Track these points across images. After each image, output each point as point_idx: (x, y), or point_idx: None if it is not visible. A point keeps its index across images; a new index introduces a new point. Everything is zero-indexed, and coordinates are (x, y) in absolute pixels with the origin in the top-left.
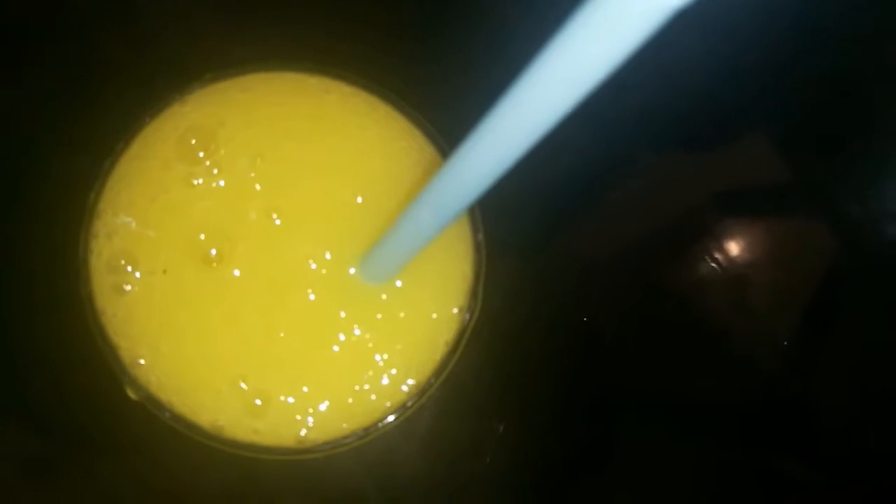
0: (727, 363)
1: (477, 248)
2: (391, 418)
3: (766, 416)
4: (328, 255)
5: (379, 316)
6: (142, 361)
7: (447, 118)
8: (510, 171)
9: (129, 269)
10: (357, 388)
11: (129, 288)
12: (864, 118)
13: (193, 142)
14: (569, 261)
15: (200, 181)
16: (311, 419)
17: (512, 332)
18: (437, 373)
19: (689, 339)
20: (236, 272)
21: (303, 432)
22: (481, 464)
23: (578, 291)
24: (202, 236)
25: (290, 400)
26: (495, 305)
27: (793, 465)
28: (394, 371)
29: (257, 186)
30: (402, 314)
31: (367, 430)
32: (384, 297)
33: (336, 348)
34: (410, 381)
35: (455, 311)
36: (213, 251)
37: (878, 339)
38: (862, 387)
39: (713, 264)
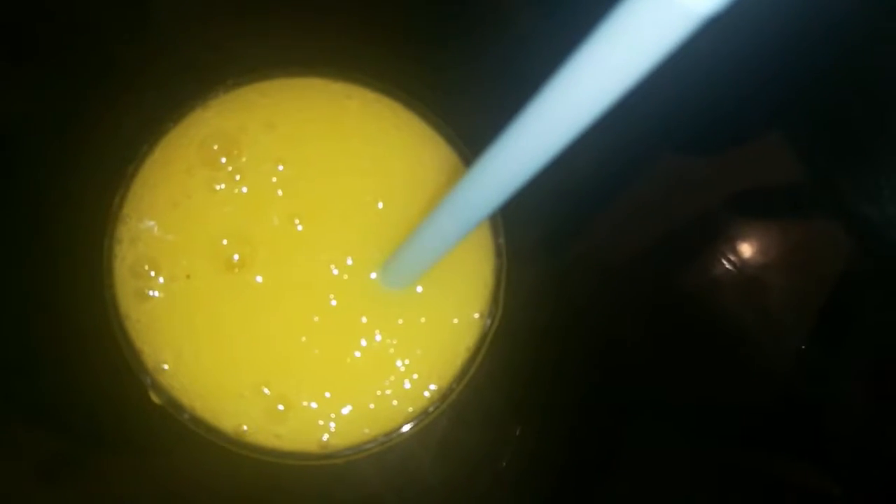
0: (743, 366)
1: (498, 253)
2: (413, 424)
3: (783, 420)
4: (350, 261)
5: (400, 321)
6: (165, 366)
7: (470, 125)
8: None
9: (153, 274)
10: (379, 393)
11: (152, 293)
12: (880, 120)
13: (216, 147)
14: (587, 264)
15: (223, 186)
16: (333, 424)
17: (531, 337)
18: (459, 378)
19: (705, 341)
20: (258, 278)
21: (325, 437)
22: (498, 469)
23: (596, 295)
24: (225, 241)
25: (313, 405)
26: (516, 310)
27: (807, 470)
28: (415, 376)
29: (279, 192)
30: (423, 319)
31: (388, 436)
32: (405, 302)
33: (358, 354)
34: (432, 387)
35: (476, 316)
36: (236, 256)
37: (894, 340)
38: (877, 390)
39: (729, 266)
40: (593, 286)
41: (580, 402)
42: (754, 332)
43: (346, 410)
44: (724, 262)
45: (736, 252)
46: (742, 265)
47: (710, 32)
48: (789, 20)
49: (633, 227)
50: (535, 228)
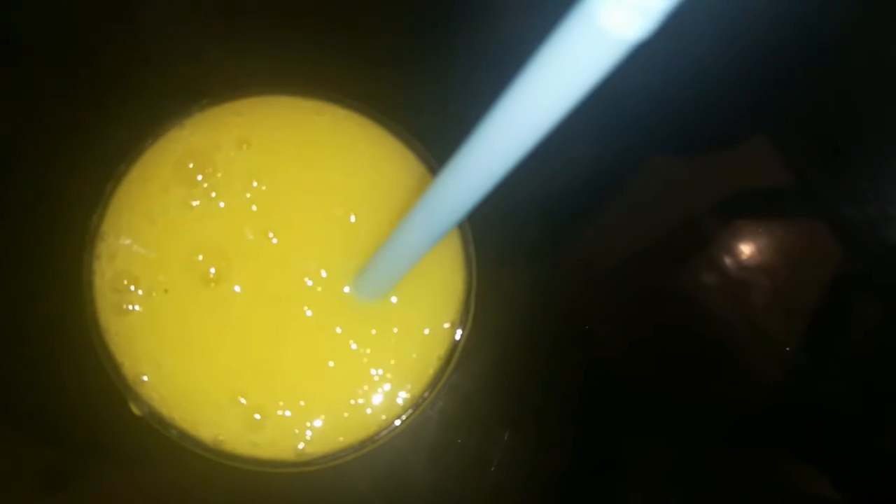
0: (732, 369)
1: (468, 261)
2: (386, 431)
3: (772, 421)
4: (323, 273)
5: (373, 331)
6: (144, 378)
7: (438, 139)
8: (499, 184)
9: (132, 288)
10: (353, 402)
11: (131, 307)
12: (863, 123)
13: (191, 165)
14: (568, 272)
15: (198, 203)
16: (308, 433)
17: (514, 343)
18: (431, 386)
19: (692, 345)
20: (235, 290)
21: (301, 446)
22: (487, 474)
23: (582, 297)
24: (201, 257)
25: (288, 414)
26: (491, 318)
27: (799, 472)
28: (388, 385)
29: (253, 207)
30: (395, 329)
31: (363, 443)
32: (378, 313)
33: (332, 363)
34: (404, 395)
35: (447, 325)
36: (212, 270)
37: (882, 342)
38: (866, 391)
39: (716, 269)
40: (576, 292)
41: (568, 407)
42: (742, 334)
43: (320, 419)
44: (712, 265)
45: (723, 255)
46: (729, 268)
47: (692, 41)
48: (772, 28)
49: (618, 232)
50: (507, 236)
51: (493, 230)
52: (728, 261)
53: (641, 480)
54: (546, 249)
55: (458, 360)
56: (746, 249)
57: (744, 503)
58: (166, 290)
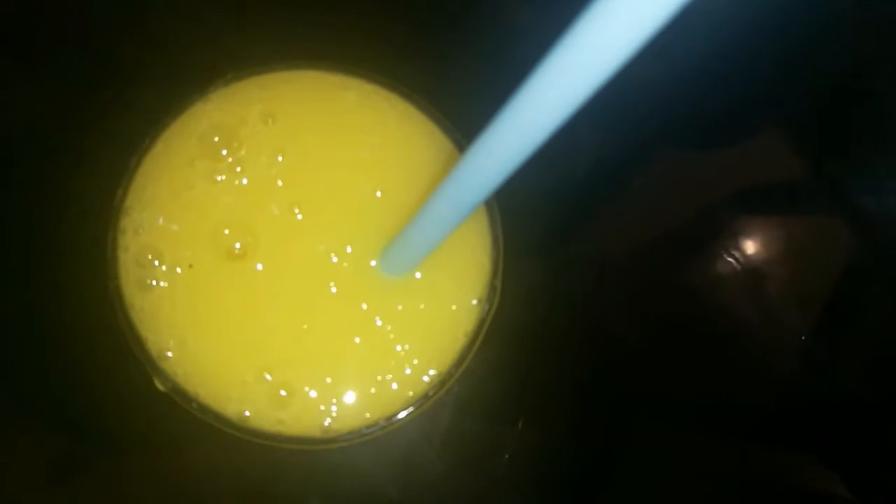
0: (745, 361)
1: (495, 241)
2: (412, 408)
3: (786, 415)
4: (349, 249)
5: (399, 307)
6: (169, 354)
7: (465, 114)
8: (526, 167)
9: (156, 263)
10: (379, 378)
11: (155, 282)
12: (877, 113)
13: (216, 139)
14: (585, 258)
15: (223, 177)
16: (334, 409)
17: (530, 328)
18: (458, 363)
19: (706, 335)
20: (260, 266)
21: (327, 422)
22: (501, 460)
23: (596, 288)
24: (226, 231)
25: (314, 391)
26: (514, 299)
27: (812, 465)
28: (415, 361)
29: (279, 182)
30: (422, 305)
31: (389, 420)
32: (404, 289)
33: (358, 339)
34: (431, 371)
35: (474, 302)
36: (238, 245)
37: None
38: (881, 383)
39: (730, 261)
40: (593, 280)
41: (582, 396)
42: (756, 327)
43: (347, 395)
44: (726, 256)
45: (737, 247)
46: (743, 260)
47: (706, 31)
48: (786, 19)
49: (631, 221)
50: (532, 219)
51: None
52: (742, 252)
53: (653, 472)
54: (559, 240)
55: (484, 338)
56: (760, 241)
57: (756, 496)
58: (191, 265)
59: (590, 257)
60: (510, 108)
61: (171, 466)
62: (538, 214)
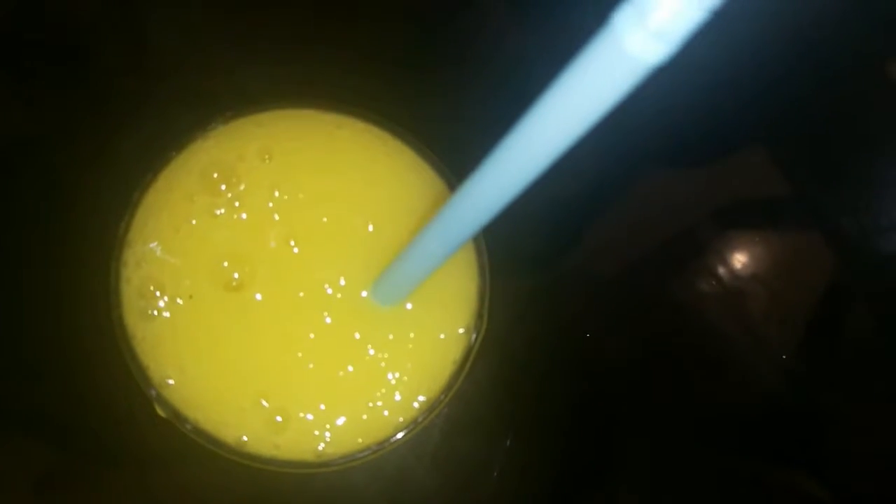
0: (728, 376)
1: (481, 271)
2: (403, 433)
3: (769, 430)
4: (342, 281)
5: (391, 336)
6: (170, 381)
7: (454, 153)
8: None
9: (158, 294)
10: (371, 404)
11: (157, 313)
12: (859, 136)
13: (215, 175)
14: (572, 278)
15: (222, 211)
16: (328, 434)
17: (518, 350)
18: (446, 390)
19: (691, 352)
20: (257, 297)
21: (321, 447)
22: (490, 479)
23: (582, 309)
24: (225, 263)
25: (309, 416)
26: (501, 325)
27: (795, 478)
28: (405, 389)
29: (276, 216)
30: (412, 335)
31: (381, 445)
32: (395, 319)
33: (351, 368)
34: (421, 398)
35: (461, 331)
36: (236, 276)
37: (876, 350)
38: (862, 398)
39: (713, 279)
40: (579, 300)
41: (570, 414)
42: (740, 344)
43: (340, 421)
44: (709, 274)
45: (720, 265)
46: (726, 278)
47: (690, 53)
48: (769, 41)
49: (618, 242)
50: (517, 247)
51: (497, 240)
52: (725, 270)
53: (641, 488)
54: (546, 259)
55: (472, 365)
56: (743, 259)
57: None
58: (191, 296)
59: (576, 277)
60: (502, 149)
61: (169, 490)
62: (524, 238)
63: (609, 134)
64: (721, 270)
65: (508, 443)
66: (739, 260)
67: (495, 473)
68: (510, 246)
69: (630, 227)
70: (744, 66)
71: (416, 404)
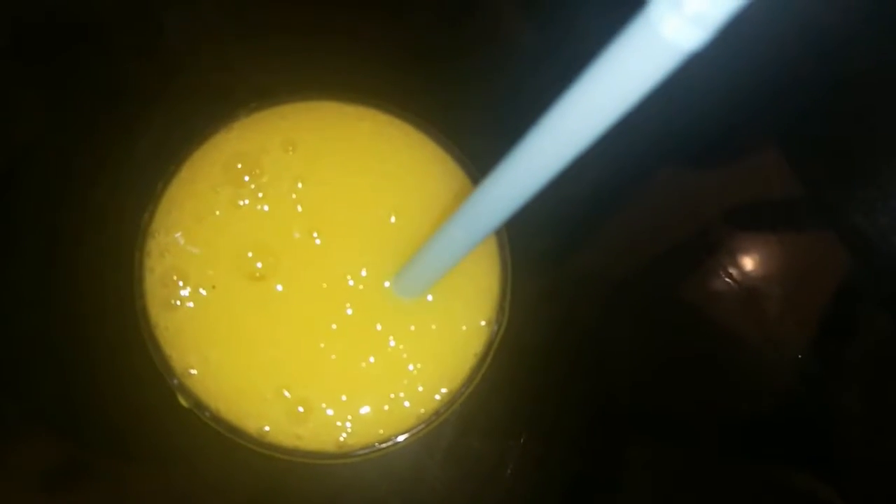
0: (742, 378)
1: (503, 264)
2: (424, 425)
3: (782, 430)
4: (364, 272)
5: (412, 328)
6: (193, 371)
7: (476, 144)
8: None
9: (181, 284)
10: (392, 396)
11: (180, 303)
12: (872, 135)
13: (239, 166)
14: (589, 277)
15: (246, 202)
16: (349, 425)
17: (533, 346)
18: (468, 382)
19: (705, 351)
20: (280, 287)
21: (342, 437)
22: (503, 476)
23: (598, 306)
24: (249, 254)
25: (331, 408)
26: (520, 319)
27: (808, 478)
28: (426, 380)
29: (299, 208)
30: (433, 326)
31: (402, 436)
32: (417, 311)
33: (372, 359)
34: (443, 390)
35: (483, 323)
36: (259, 265)
37: (892, 351)
38: (876, 399)
39: (727, 279)
40: (594, 299)
41: (584, 411)
42: (754, 343)
43: (362, 412)
44: (724, 275)
45: (734, 264)
46: (740, 278)
47: (706, 53)
48: (782, 42)
49: (633, 241)
50: (538, 241)
51: (517, 236)
52: (739, 270)
53: (653, 488)
54: (562, 258)
55: (494, 358)
56: (757, 259)
57: None
58: (214, 286)
59: (592, 276)
60: (522, 148)
61: (190, 480)
62: (543, 236)
63: (626, 134)
64: (735, 270)
65: (522, 441)
66: (753, 260)
67: (509, 471)
68: (529, 242)
69: (645, 227)
70: (760, 67)
71: (437, 396)
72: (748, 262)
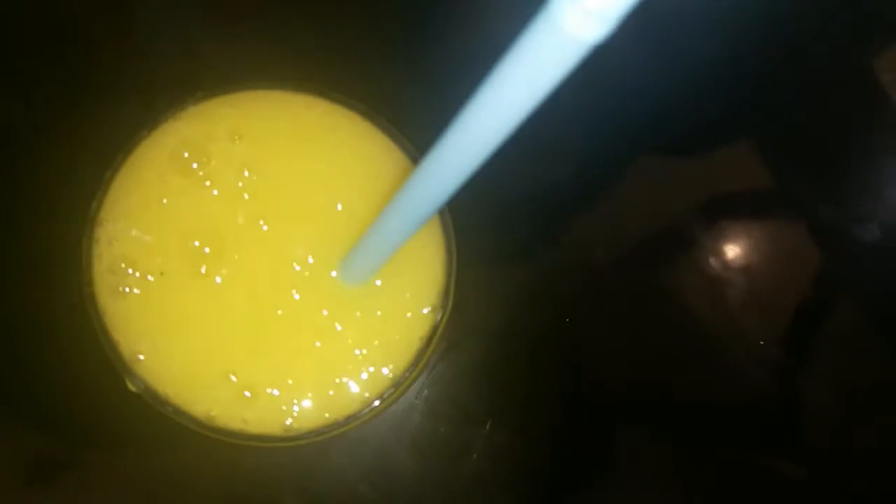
0: (712, 367)
1: (448, 251)
2: (369, 408)
3: (752, 418)
4: (311, 259)
5: (358, 314)
6: (141, 357)
7: (421, 132)
8: (484, 179)
9: (129, 272)
10: (338, 380)
11: (128, 289)
12: (841, 129)
13: (186, 155)
14: (550, 267)
15: (193, 191)
16: (295, 409)
17: (497, 336)
18: (412, 366)
19: (672, 339)
20: (227, 274)
21: (288, 422)
22: (470, 461)
23: (561, 296)
24: (196, 242)
25: (276, 392)
26: (475, 310)
27: (780, 464)
28: (372, 365)
29: (246, 196)
30: (378, 313)
31: (347, 420)
32: (362, 297)
33: (318, 344)
34: (387, 374)
35: (426, 310)
36: (207, 251)
37: (858, 340)
38: (844, 387)
39: (699, 271)
40: (560, 288)
41: (549, 397)
42: (724, 334)
43: (307, 396)
44: (695, 267)
45: (706, 257)
46: (712, 270)
47: (674, 46)
48: (755, 34)
49: (601, 230)
50: (496, 232)
51: (478, 226)
52: (709, 259)
53: (619, 474)
54: (530, 246)
55: (438, 343)
56: (727, 249)
57: (727, 496)
58: (162, 273)
59: (560, 266)
60: (455, 127)
61: (141, 465)
62: (492, 222)
63: (595, 125)
64: (706, 260)
65: (488, 426)
66: (725, 250)
67: (474, 456)
68: (486, 232)
69: (614, 217)
70: (730, 62)
71: (382, 380)
72: (719, 254)
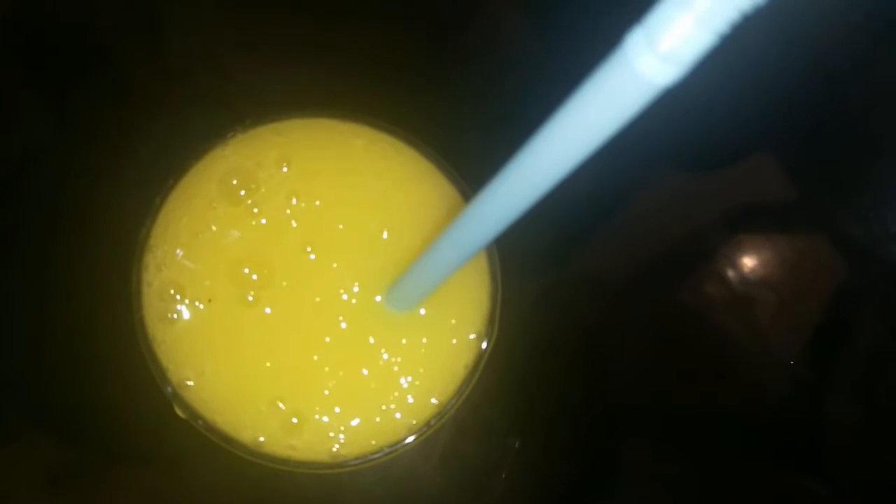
0: (737, 381)
1: (493, 278)
2: (415, 435)
3: (776, 434)
4: (357, 287)
5: (404, 341)
6: (189, 383)
7: (468, 162)
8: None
9: (178, 298)
10: (384, 407)
11: (177, 316)
12: (867, 143)
13: (235, 182)
14: (580, 284)
15: (242, 218)
16: (342, 436)
17: (527, 354)
18: (458, 394)
19: (700, 356)
20: (275, 301)
21: (335, 448)
22: (498, 481)
23: (591, 313)
24: (245, 269)
25: (324, 419)
26: (511, 329)
27: (801, 482)
28: (417, 392)
29: (293, 223)
30: (424, 340)
31: (393, 447)
32: (408, 324)
33: (365, 371)
34: (433, 401)
35: (472, 336)
36: (254, 279)
37: (884, 357)
38: (868, 405)
39: (722, 284)
40: (587, 304)
41: (578, 417)
42: (748, 348)
43: (354, 423)
44: (719, 280)
45: (730, 270)
46: (733, 282)
47: (707, 63)
48: (780, 51)
49: (627, 246)
50: (528, 252)
51: (508, 245)
52: (733, 274)
53: (648, 492)
54: (554, 263)
55: (484, 369)
56: (751, 263)
57: None
58: (210, 300)
59: (585, 281)
60: (516, 164)
61: (193, 481)
62: (534, 244)
63: (621, 139)
64: (730, 275)
65: (517, 445)
66: (748, 265)
67: (503, 475)
68: (521, 251)
69: (640, 232)
70: (756, 74)
71: (428, 408)
72: (742, 267)
